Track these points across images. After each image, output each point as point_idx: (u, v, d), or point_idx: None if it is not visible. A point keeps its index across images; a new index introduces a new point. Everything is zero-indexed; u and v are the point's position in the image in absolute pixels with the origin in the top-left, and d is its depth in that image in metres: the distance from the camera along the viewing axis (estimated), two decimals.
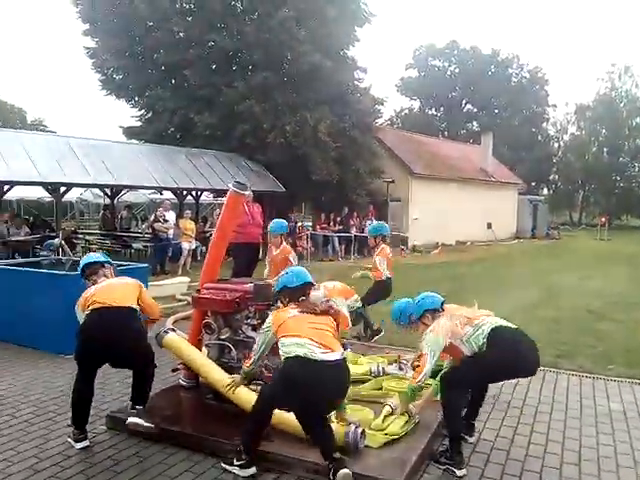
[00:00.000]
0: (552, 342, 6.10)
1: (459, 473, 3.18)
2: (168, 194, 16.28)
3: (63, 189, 12.28)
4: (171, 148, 15.56)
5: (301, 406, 3.01)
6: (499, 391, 4.61)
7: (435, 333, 3.31)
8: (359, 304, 5.90)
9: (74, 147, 12.76)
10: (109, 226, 15.75)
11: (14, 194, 16.14)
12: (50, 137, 15.52)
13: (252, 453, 3.10)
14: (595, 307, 8.28)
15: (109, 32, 16.93)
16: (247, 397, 3.47)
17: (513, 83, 44.32)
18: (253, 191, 8.92)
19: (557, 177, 45.91)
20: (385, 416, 3.58)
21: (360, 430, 3.26)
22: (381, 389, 4.29)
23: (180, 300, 8.36)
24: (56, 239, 10.83)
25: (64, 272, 6.35)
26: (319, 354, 2.92)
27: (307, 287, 3.33)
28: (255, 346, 3.32)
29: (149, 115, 17.98)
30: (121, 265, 6.85)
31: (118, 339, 3.42)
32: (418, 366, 4.31)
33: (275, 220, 6.54)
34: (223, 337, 4.06)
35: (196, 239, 13.06)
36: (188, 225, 12.81)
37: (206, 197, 19.86)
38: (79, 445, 3.46)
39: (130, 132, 18.35)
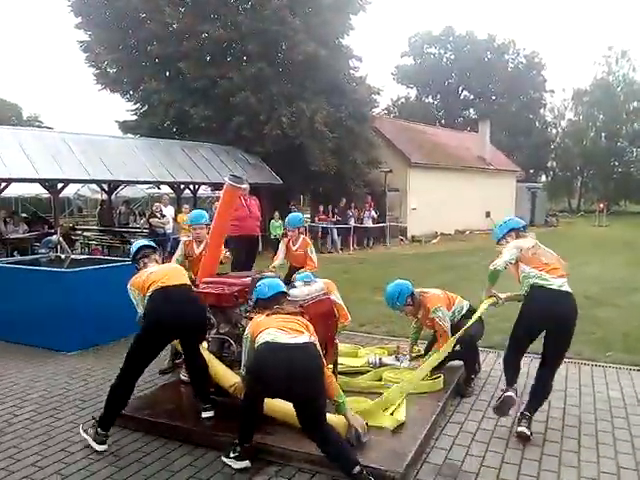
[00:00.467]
0: None
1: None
2: (166, 188, 16.25)
3: (60, 185, 12.25)
4: (167, 142, 15.50)
5: (277, 389, 3.02)
6: (498, 380, 4.63)
7: (515, 245, 3.78)
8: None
9: (70, 143, 12.71)
10: (107, 222, 15.74)
11: (12, 191, 16.06)
12: (46, 133, 15.46)
13: (246, 446, 3.15)
14: (593, 293, 8.29)
15: (102, 25, 16.81)
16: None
17: (510, 69, 44.05)
18: (250, 184, 8.92)
19: (555, 164, 45.88)
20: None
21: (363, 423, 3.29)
22: (380, 380, 4.32)
23: None
24: (54, 236, 10.84)
25: (63, 269, 6.36)
26: (285, 338, 3.00)
27: (280, 297, 3.40)
28: (242, 354, 3.39)
29: (144, 109, 17.87)
30: (120, 261, 6.88)
31: (189, 312, 3.53)
32: (419, 356, 4.48)
33: (292, 214, 6.47)
34: (223, 331, 4.08)
35: None
36: (185, 219, 12.81)
37: (204, 190, 19.82)
38: (101, 447, 3.38)
39: (126, 126, 18.26)
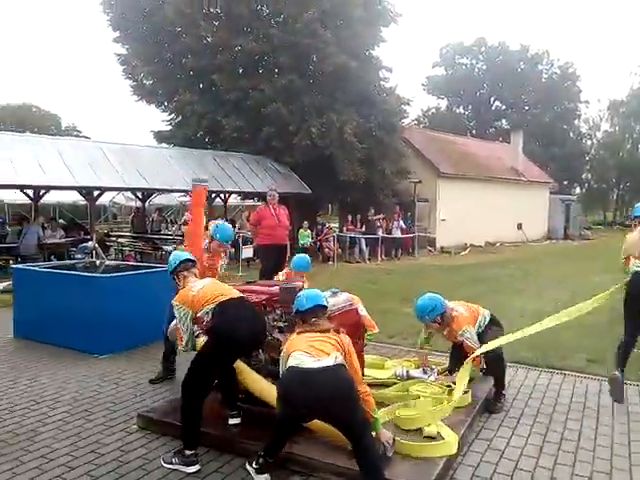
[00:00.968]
0: (583, 346, 5.97)
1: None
2: None
3: (97, 193, 12.62)
4: (200, 151, 15.82)
5: (305, 412, 3.00)
6: (527, 397, 4.54)
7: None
8: None
9: (107, 152, 13.10)
10: (140, 228, 16.09)
11: (51, 198, 16.65)
12: (84, 142, 15.99)
13: (269, 461, 3.12)
14: None
15: (139, 39, 17.35)
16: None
17: (543, 79, 43.33)
18: (279, 193, 9.02)
19: (590, 175, 44.75)
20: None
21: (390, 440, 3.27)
22: (407, 392, 4.28)
23: None
24: (90, 242, 11.14)
25: (97, 274, 6.54)
26: (309, 362, 2.96)
27: (318, 310, 3.32)
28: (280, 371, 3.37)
29: (178, 119, 18.30)
30: (152, 267, 7.04)
31: (256, 324, 3.53)
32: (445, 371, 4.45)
33: (298, 256, 5.54)
34: None
35: None
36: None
37: (234, 199, 20.10)
38: (192, 469, 3.24)
39: (160, 136, 18.74)
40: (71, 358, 5.51)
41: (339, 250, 16.08)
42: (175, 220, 18.41)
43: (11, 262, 10.92)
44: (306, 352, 3.01)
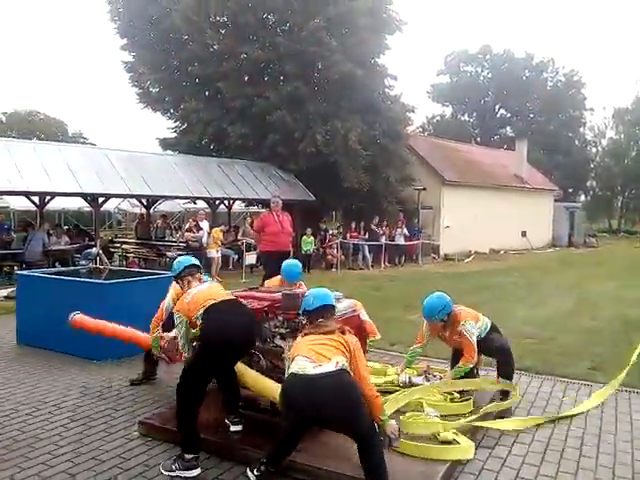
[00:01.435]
0: (586, 353, 5.94)
1: None
2: (202, 203, 16.60)
3: (102, 200, 12.68)
4: (205, 159, 15.90)
5: (307, 418, 2.99)
6: (530, 404, 4.51)
7: None
8: None
9: (112, 159, 13.19)
10: (144, 235, 16.15)
11: (56, 204, 16.74)
12: (90, 149, 16.11)
13: (271, 470, 3.11)
14: (633, 317, 7.99)
15: (146, 46, 17.51)
16: None
17: (548, 87, 43.41)
18: (283, 200, 9.04)
19: (595, 183, 44.64)
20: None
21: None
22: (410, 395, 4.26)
23: None
24: (94, 248, 11.19)
25: (101, 281, 6.56)
26: (310, 368, 2.94)
27: (325, 310, 3.29)
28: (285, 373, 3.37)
29: (184, 127, 18.43)
30: (156, 273, 7.05)
31: (246, 324, 3.51)
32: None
33: (288, 263, 5.19)
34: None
35: (229, 247, 13.31)
36: (216, 234, 13.08)
37: (238, 206, 20.14)
38: (193, 473, 3.22)
39: (166, 143, 18.85)
40: (73, 364, 5.52)
41: (342, 257, 16.08)
42: (179, 227, 18.45)
43: (16, 268, 10.97)
44: (307, 357, 2.99)
